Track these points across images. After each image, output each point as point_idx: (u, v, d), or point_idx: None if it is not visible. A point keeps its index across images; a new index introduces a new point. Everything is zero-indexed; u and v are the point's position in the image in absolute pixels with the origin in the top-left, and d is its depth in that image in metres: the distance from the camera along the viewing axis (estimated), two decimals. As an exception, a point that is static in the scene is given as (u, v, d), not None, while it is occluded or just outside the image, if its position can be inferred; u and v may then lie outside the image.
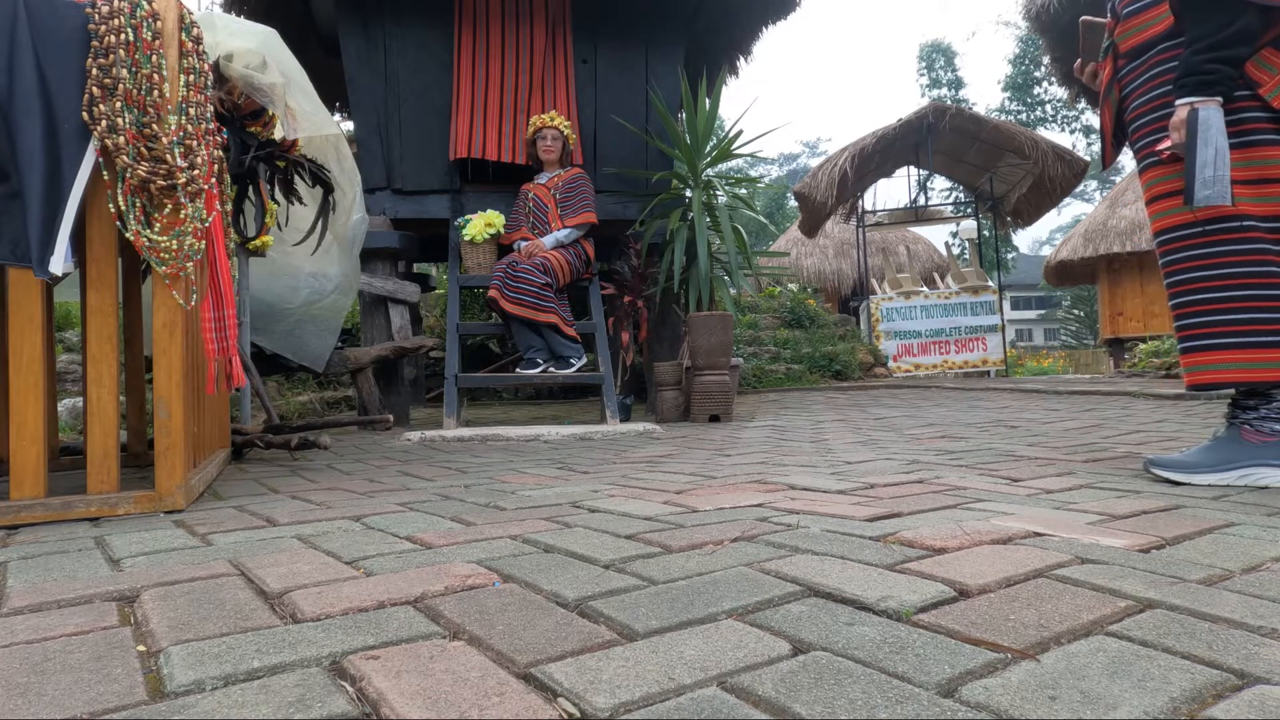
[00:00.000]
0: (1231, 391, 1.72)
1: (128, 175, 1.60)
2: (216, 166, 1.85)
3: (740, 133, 4.51)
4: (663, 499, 1.63)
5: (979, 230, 11.93)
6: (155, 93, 1.63)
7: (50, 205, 1.54)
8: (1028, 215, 10.69)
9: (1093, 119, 23.81)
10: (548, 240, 4.13)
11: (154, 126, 1.62)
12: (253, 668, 0.72)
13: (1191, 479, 1.64)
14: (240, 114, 2.45)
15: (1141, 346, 8.47)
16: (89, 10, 1.60)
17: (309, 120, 2.49)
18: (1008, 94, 24.91)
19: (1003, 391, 5.97)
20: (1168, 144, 1.67)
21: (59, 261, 1.55)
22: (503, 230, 4.26)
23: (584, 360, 4.06)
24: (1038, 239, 49.50)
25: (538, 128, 4.33)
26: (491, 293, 4.01)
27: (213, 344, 1.81)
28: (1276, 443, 1.61)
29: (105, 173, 1.61)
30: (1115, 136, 1.91)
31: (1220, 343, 1.65)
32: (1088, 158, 11.76)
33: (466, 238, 4.20)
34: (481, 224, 4.20)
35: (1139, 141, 1.80)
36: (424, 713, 0.61)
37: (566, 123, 4.36)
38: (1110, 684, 0.64)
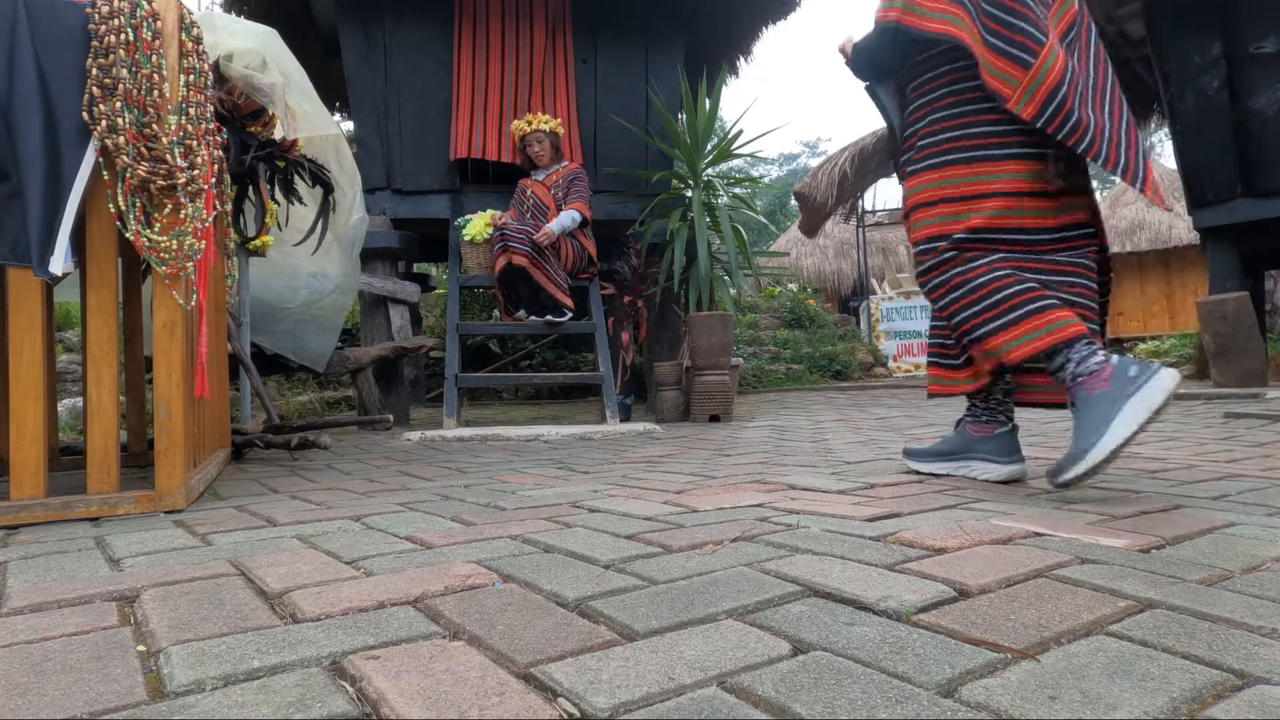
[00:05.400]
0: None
1: (128, 175, 1.60)
2: (216, 166, 1.84)
3: (740, 133, 4.51)
4: (663, 499, 1.63)
5: (979, 230, 11.91)
6: (155, 93, 1.63)
7: (50, 205, 1.54)
8: (1028, 215, 10.67)
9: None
10: (554, 226, 4.12)
11: (154, 126, 1.62)
12: (253, 668, 0.72)
13: (921, 466, 1.81)
14: (240, 114, 2.45)
15: (1141, 346, 8.46)
16: (89, 10, 1.60)
17: (309, 120, 2.49)
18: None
19: (1003, 391, 5.96)
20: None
21: (59, 261, 1.55)
22: None
23: (569, 316, 4.10)
24: (1038, 239, 49.32)
25: (524, 134, 4.30)
26: (499, 258, 4.02)
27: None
28: (987, 437, 1.76)
29: (105, 173, 1.61)
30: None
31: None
32: (1088, 158, 11.74)
33: (466, 238, 4.20)
34: (481, 224, 4.20)
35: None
36: (424, 713, 0.61)
37: (550, 120, 4.30)
38: (1110, 684, 0.64)
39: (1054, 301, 1.58)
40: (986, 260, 1.64)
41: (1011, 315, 1.58)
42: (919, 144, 1.77)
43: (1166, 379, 1.41)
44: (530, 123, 4.27)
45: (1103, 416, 1.44)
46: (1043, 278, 1.64)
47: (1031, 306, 1.57)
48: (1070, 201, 1.70)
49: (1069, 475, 1.44)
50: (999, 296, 1.60)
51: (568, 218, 4.14)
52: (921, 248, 1.74)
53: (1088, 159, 1.61)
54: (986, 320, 1.61)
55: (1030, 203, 1.66)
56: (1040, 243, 1.67)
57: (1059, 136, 1.59)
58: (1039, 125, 1.59)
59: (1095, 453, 1.41)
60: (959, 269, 1.66)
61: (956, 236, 1.67)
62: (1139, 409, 1.41)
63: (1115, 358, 1.49)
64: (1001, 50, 1.62)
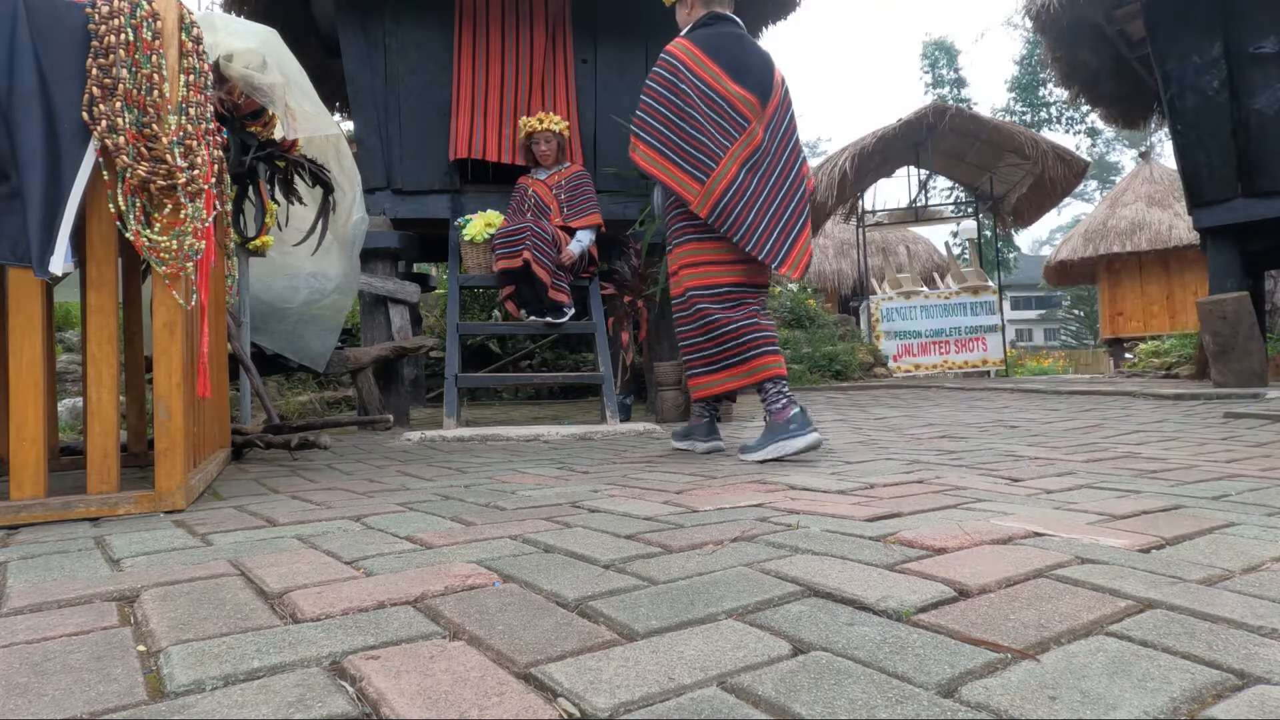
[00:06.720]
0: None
1: (128, 175, 1.60)
2: (216, 166, 1.84)
3: (740, 133, 4.50)
4: (662, 499, 1.63)
5: (979, 230, 11.93)
6: (155, 93, 1.63)
7: (50, 205, 1.54)
8: (1028, 215, 10.69)
9: (1096, 121, 23.76)
10: (575, 249, 4.13)
11: (154, 126, 1.62)
12: (253, 668, 0.72)
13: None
14: (240, 114, 2.45)
15: (1141, 346, 8.47)
16: (89, 10, 1.60)
17: (309, 120, 2.49)
18: (1014, 94, 24.87)
19: (1003, 391, 5.97)
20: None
21: (59, 261, 1.55)
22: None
23: (569, 315, 4.07)
24: (1038, 239, 49.43)
25: (530, 132, 4.29)
26: (499, 264, 3.97)
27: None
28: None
29: (105, 173, 1.61)
30: None
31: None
32: (1089, 158, 11.76)
33: (466, 238, 4.20)
34: (481, 224, 4.19)
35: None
36: (424, 713, 0.61)
37: (559, 121, 4.30)
38: (1110, 684, 0.64)
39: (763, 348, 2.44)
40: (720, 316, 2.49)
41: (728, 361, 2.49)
42: (674, 227, 2.60)
43: (801, 442, 2.25)
44: (541, 120, 4.27)
45: (767, 441, 2.30)
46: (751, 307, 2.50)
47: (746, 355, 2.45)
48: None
49: (752, 456, 2.31)
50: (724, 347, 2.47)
51: (587, 237, 4.19)
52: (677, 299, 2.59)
53: (741, 248, 2.43)
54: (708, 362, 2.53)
55: (739, 266, 2.50)
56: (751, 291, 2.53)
57: (722, 231, 2.43)
58: (711, 222, 2.44)
59: (757, 456, 2.30)
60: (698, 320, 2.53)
61: (710, 288, 2.50)
62: (783, 449, 2.27)
63: (795, 408, 2.31)
64: (688, 170, 2.46)
